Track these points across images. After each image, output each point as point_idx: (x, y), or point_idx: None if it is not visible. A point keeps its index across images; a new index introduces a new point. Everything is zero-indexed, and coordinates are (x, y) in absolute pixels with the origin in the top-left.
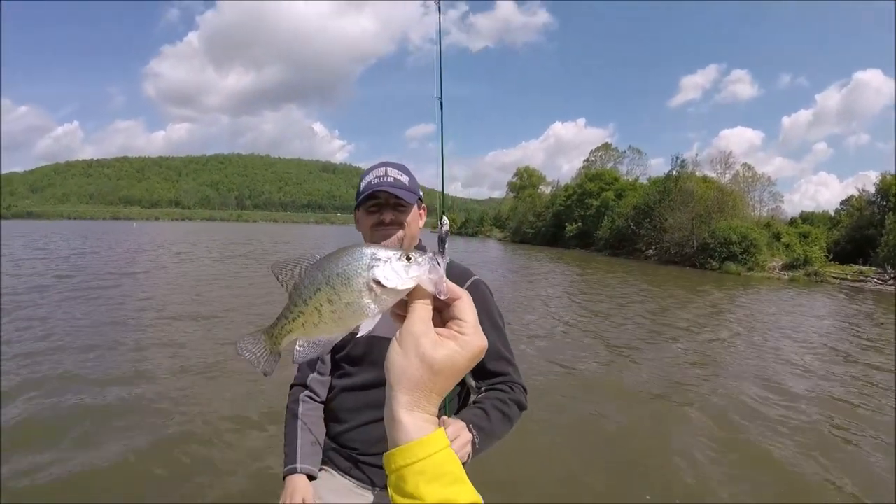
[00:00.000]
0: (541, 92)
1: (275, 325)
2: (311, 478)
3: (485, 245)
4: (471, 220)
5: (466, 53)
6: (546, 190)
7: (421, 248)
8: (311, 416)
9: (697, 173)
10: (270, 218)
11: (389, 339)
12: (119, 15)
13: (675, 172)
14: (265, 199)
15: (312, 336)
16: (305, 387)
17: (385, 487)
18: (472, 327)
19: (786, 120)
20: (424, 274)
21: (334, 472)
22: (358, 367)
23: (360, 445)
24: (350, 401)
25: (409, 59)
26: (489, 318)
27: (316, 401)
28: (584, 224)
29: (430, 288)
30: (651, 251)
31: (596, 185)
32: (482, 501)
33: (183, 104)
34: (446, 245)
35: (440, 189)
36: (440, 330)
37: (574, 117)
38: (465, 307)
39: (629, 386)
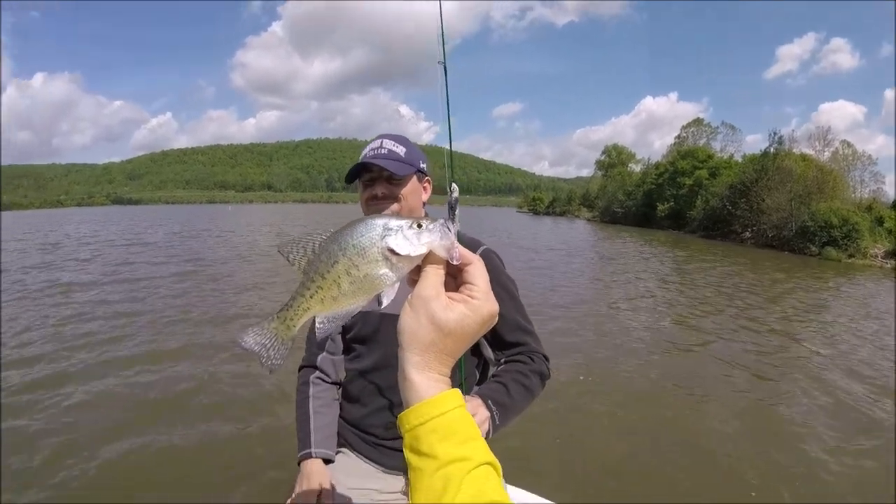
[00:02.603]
0: (630, 66)
1: (289, 306)
2: (328, 461)
3: (573, 225)
4: (559, 200)
5: (551, 29)
6: (636, 168)
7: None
8: (323, 397)
9: (795, 151)
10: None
11: (398, 316)
12: (204, 8)
13: (772, 150)
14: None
15: (331, 310)
16: (315, 367)
17: (406, 471)
18: (482, 292)
19: (888, 93)
20: (436, 240)
21: (352, 454)
22: (367, 346)
23: (379, 431)
24: (366, 383)
25: (493, 36)
26: (503, 288)
27: (327, 381)
28: (676, 204)
29: (442, 253)
30: (747, 233)
31: (688, 162)
32: (495, 460)
33: (271, 92)
34: (456, 212)
35: (452, 156)
36: (451, 294)
37: (666, 92)
38: (477, 272)
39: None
